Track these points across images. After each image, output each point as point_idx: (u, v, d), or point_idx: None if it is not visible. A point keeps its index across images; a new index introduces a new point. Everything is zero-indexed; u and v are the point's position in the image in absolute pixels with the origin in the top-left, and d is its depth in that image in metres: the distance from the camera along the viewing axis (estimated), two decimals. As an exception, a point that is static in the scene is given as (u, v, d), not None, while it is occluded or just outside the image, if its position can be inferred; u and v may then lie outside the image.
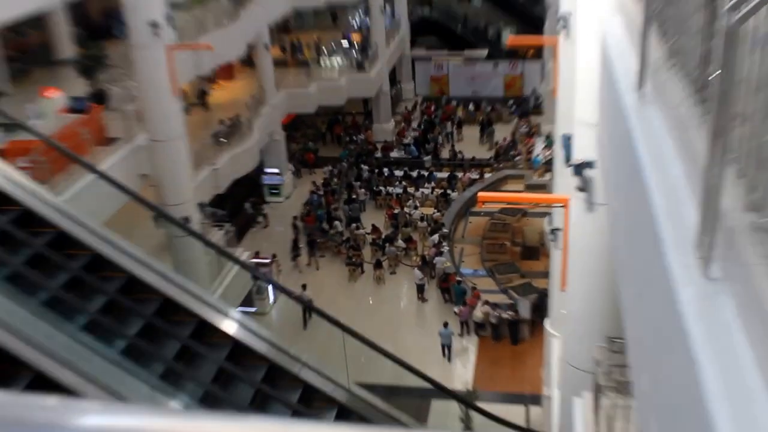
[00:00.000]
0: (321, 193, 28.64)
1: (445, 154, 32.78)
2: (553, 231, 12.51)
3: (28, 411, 0.82)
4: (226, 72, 28.78)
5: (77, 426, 0.82)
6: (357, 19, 38.16)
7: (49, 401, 0.83)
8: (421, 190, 28.85)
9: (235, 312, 10.21)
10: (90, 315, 8.72)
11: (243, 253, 21.40)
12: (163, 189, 17.48)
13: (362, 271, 24.24)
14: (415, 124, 35.67)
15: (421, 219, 26.41)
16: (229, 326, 9.74)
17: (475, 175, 29.86)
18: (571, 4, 11.47)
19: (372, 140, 34.01)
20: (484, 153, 32.70)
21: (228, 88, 29.17)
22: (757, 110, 2.18)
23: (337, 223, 26.23)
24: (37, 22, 21.98)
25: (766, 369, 1.79)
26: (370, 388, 10.94)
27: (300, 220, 26.70)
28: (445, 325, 20.00)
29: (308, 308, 19.23)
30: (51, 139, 12.73)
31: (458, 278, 22.33)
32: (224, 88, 29.09)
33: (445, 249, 23.91)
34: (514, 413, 16.23)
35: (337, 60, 32.09)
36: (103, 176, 12.13)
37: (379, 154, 32.71)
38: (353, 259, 24.25)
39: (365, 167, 30.95)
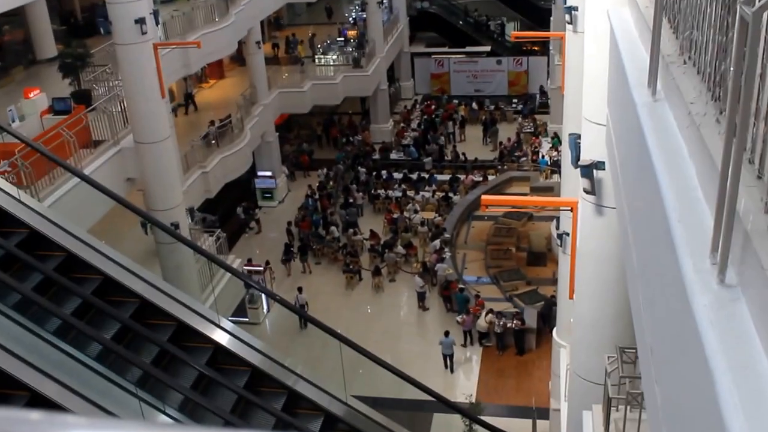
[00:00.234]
0: (316, 197, 28.49)
1: (447, 155, 32.71)
2: (561, 236, 12.65)
3: (12, 425, 0.83)
4: (216, 70, 28.99)
5: None
6: (353, 14, 37.65)
7: (33, 415, 0.84)
8: (421, 193, 28.68)
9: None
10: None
11: (235, 261, 21.40)
12: (150, 193, 17.48)
13: (360, 279, 24.07)
14: (414, 124, 35.50)
15: (422, 224, 26.27)
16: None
17: (478, 177, 29.68)
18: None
19: (369, 141, 33.79)
20: (488, 154, 32.58)
21: (218, 87, 29.56)
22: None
23: (333, 228, 26.14)
24: (16, 18, 21.84)
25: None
26: (369, 400, 11.24)
27: (295, 225, 26.66)
28: (446, 334, 19.96)
29: (304, 318, 19.42)
30: (32, 142, 12.66)
31: (461, 286, 22.16)
32: (214, 87, 29.53)
33: (447, 255, 23.74)
34: (520, 427, 16.47)
35: (332, 57, 31.96)
36: (87, 180, 12.13)
37: (377, 156, 32.50)
38: (350, 266, 24.08)
39: (362, 169, 30.74)
